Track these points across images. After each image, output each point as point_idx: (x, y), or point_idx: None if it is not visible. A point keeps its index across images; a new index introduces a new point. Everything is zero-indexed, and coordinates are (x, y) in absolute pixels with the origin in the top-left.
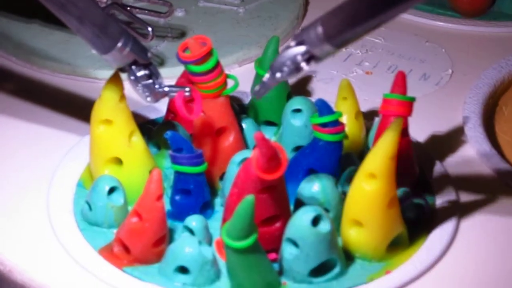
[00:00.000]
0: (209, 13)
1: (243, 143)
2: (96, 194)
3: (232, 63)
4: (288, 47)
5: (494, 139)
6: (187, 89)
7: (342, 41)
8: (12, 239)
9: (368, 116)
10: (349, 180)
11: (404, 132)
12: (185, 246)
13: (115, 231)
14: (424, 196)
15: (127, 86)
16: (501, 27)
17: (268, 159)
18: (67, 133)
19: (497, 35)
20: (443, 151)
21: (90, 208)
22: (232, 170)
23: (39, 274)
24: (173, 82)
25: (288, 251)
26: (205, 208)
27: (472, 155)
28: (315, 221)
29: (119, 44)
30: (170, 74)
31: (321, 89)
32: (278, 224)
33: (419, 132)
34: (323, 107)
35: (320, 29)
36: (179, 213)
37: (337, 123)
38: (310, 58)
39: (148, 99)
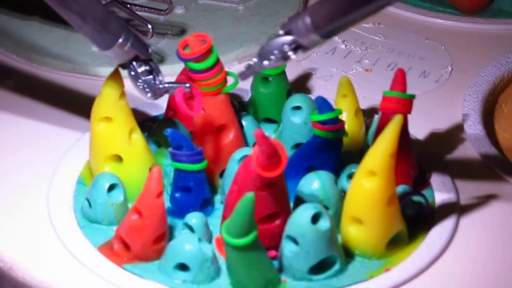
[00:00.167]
0: (209, 10)
1: (243, 141)
2: (96, 191)
3: (232, 60)
4: (276, 35)
5: (493, 137)
6: (187, 85)
7: (329, 31)
8: (12, 237)
9: (368, 114)
10: (349, 177)
11: (403, 130)
12: (185, 243)
13: (115, 228)
14: (423, 194)
15: (128, 83)
16: (500, 24)
17: (268, 156)
18: (67, 130)
19: (497, 33)
20: (442, 148)
21: (90, 205)
22: (232, 167)
23: (40, 271)
24: (173, 80)
25: (288, 248)
26: (205, 206)
27: (472, 152)
28: (315, 219)
29: (120, 40)
30: (170, 72)
31: (320, 87)
32: (278, 222)
33: (418, 129)
34: (322, 105)
35: (308, 19)
36: (179, 210)
37: (336, 121)
38: (297, 47)
39: (149, 95)
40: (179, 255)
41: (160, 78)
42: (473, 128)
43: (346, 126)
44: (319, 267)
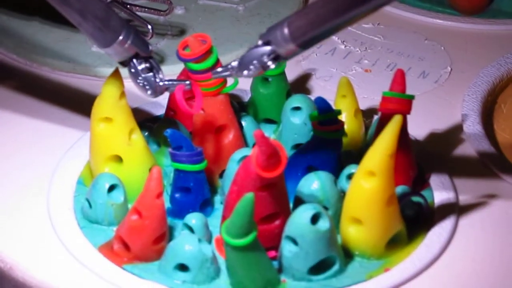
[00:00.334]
0: (208, 11)
1: (242, 141)
2: (96, 192)
3: (232, 60)
4: (256, 46)
5: (492, 137)
6: (187, 82)
7: (307, 41)
8: (12, 237)
9: (367, 114)
10: (348, 177)
11: (403, 130)
12: (185, 244)
13: (115, 228)
14: (423, 194)
15: (128, 83)
16: (500, 25)
17: (267, 157)
18: (67, 130)
19: (496, 33)
20: (441, 148)
21: (90, 206)
22: (232, 168)
23: (40, 271)
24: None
25: (287, 248)
26: (205, 206)
27: (471, 152)
28: (315, 219)
29: (121, 37)
30: (169, 72)
31: (320, 87)
32: (277, 222)
33: (418, 129)
34: (322, 105)
35: (286, 30)
36: (179, 210)
37: (336, 121)
38: (276, 57)
39: (149, 92)
40: (179, 256)
41: (161, 75)
42: (472, 128)
43: (346, 127)
44: (319, 268)
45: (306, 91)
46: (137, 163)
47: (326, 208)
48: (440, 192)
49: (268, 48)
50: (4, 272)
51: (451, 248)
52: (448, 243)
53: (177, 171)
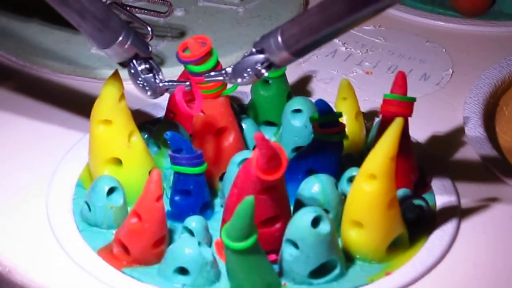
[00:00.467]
0: (208, 12)
1: (243, 144)
2: (95, 195)
3: (232, 63)
4: (250, 54)
5: (494, 140)
6: (187, 83)
7: (301, 50)
8: (11, 240)
9: (368, 117)
10: (349, 180)
11: (404, 133)
12: (185, 247)
13: (114, 231)
14: (424, 197)
15: (128, 85)
16: (501, 26)
17: (268, 159)
18: (66, 133)
19: (498, 35)
20: (443, 151)
21: (90, 209)
22: (232, 170)
23: (39, 275)
24: None
25: (288, 252)
26: (205, 209)
27: (473, 155)
28: (315, 222)
29: (120, 38)
30: (169, 74)
31: (321, 89)
32: (278, 225)
33: (419, 132)
34: (323, 107)
35: (279, 38)
36: (179, 213)
37: (337, 123)
38: (270, 65)
39: (149, 93)
40: (179, 259)
41: (161, 76)
42: (474, 131)
43: (347, 129)
44: (320, 271)
45: (306, 93)
46: (136, 166)
47: (327, 211)
48: (441, 195)
49: (261, 56)
50: (3, 276)
51: (452, 252)
52: (449, 247)
53: (177, 174)
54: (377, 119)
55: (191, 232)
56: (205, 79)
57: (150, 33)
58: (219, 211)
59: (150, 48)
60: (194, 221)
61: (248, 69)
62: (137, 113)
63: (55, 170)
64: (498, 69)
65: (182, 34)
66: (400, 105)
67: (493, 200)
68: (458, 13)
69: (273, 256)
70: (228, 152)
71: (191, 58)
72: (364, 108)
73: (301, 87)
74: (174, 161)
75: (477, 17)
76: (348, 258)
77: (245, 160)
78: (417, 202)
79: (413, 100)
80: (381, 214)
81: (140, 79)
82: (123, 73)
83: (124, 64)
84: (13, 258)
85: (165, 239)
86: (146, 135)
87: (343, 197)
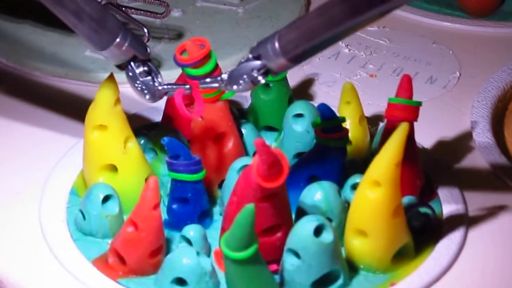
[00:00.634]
0: (207, 13)
1: (242, 150)
2: (90, 203)
3: (231, 65)
4: (246, 60)
5: (503, 144)
6: (187, 86)
7: (299, 56)
8: (3, 249)
9: (373, 121)
10: (353, 188)
11: (410, 138)
12: (183, 257)
13: (110, 241)
14: (430, 205)
15: (124, 89)
16: (510, 27)
17: (268, 166)
18: (60, 138)
19: (506, 36)
20: (450, 157)
21: (84, 217)
22: (232, 177)
23: (32, 285)
24: None
25: (289, 262)
26: (203, 217)
27: (480, 161)
28: (318, 231)
29: (118, 40)
30: (166, 77)
31: (323, 93)
32: (279, 234)
33: (425, 137)
34: (325, 112)
35: (276, 44)
36: (177, 222)
37: (340, 128)
38: (267, 72)
39: (147, 97)
40: (177, 269)
41: (159, 79)
42: (482, 135)
43: (350, 134)
44: (322, 282)
45: (308, 97)
46: (132, 173)
47: (329, 220)
48: (448, 202)
49: (258, 63)
50: None
51: (460, 261)
52: (457, 256)
53: (175, 181)
54: (381, 124)
55: (189, 242)
56: (200, 86)
57: (147, 34)
58: (218, 219)
59: (148, 50)
60: (192, 230)
61: (244, 76)
62: (133, 117)
63: (48, 177)
64: (507, 71)
65: (179, 35)
66: (406, 109)
67: (502, 207)
68: (465, 14)
69: (274, 266)
70: (228, 158)
71: (189, 61)
72: (368, 112)
73: (303, 91)
74: (171, 167)
75: (485, 17)
76: (352, 268)
77: (245, 166)
78: (423, 210)
79: (419, 104)
80: (385, 223)
81: (138, 82)
82: (119, 76)
83: (122, 67)
84: (4, 268)
85: (162, 248)
86: (142, 141)
87: (346, 205)
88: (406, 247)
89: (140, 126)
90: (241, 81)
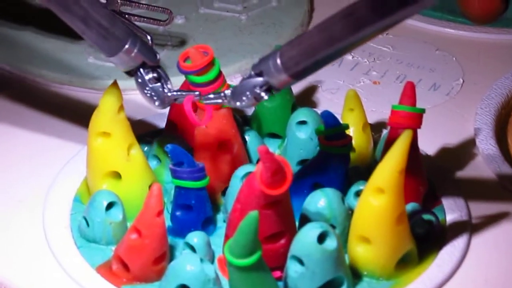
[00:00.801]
0: (210, 20)
1: (246, 157)
2: (93, 210)
3: (234, 72)
4: (248, 76)
5: (506, 151)
6: (196, 93)
7: (301, 72)
8: (6, 257)
9: (376, 128)
10: (356, 195)
11: (413, 145)
12: (187, 264)
13: (113, 248)
14: (434, 212)
15: (127, 96)
16: None
17: (272, 173)
18: (63, 145)
19: (510, 43)
20: (453, 164)
21: (88, 224)
22: (235, 184)
23: None
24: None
25: (293, 269)
26: (207, 224)
27: (484, 168)
28: (321, 238)
29: (126, 46)
30: None
31: (326, 100)
32: (282, 241)
33: (428, 144)
34: (329, 119)
35: (278, 61)
36: (180, 229)
37: (343, 136)
38: (269, 88)
39: (156, 103)
40: (180, 276)
41: (169, 85)
42: (485, 142)
43: (354, 141)
44: None
45: (312, 104)
46: (136, 180)
47: (333, 227)
48: (452, 209)
49: (260, 79)
50: None
51: (463, 268)
52: (460, 263)
53: (178, 188)
54: (385, 131)
55: (192, 248)
56: (204, 102)
57: (150, 41)
58: (221, 226)
59: (158, 56)
60: (196, 237)
61: (247, 93)
62: (137, 124)
63: (52, 184)
64: (510, 78)
65: (182, 42)
66: (409, 116)
67: (505, 214)
68: (468, 20)
69: (277, 273)
70: (231, 165)
71: (193, 68)
72: (372, 119)
73: (306, 98)
74: (175, 174)
75: (489, 24)
76: (355, 275)
77: (248, 174)
78: (427, 217)
79: (422, 111)
80: (389, 230)
81: (147, 88)
82: (122, 83)
83: (131, 73)
84: (9, 275)
85: (166, 255)
86: (146, 148)
87: (350, 212)
88: (409, 254)
89: (143, 133)
90: (244, 98)
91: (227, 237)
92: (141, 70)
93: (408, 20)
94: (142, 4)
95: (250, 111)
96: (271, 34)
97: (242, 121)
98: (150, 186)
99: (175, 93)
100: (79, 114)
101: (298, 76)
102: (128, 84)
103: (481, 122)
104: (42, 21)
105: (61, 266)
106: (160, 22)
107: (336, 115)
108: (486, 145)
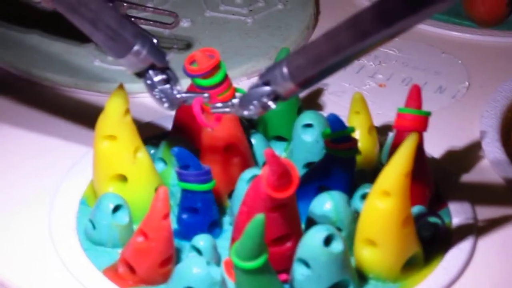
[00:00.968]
0: (216, 23)
1: (252, 160)
2: (100, 213)
3: (240, 75)
4: (255, 86)
5: None
6: (205, 95)
7: (307, 80)
8: (12, 259)
9: (382, 131)
10: (362, 198)
11: (419, 148)
12: (193, 267)
13: (120, 250)
14: (440, 215)
15: (136, 99)
16: None
17: (278, 176)
18: (69, 148)
19: None
20: (459, 167)
21: (94, 227)
22: (241, 187)
23: None
24: None
25: (299, 271)
26: (213, 227)
27: (489, 171)
28: (327, 241)
29: (136, 48)
30: None
31: (332, 103)
32: (289, 244)
33: (434, 147)
34: (335, 122)
35: (285, 70)
36: (186, 232)
37: (349, 139)
38: (276, 97)
39: (166, 105)
40: (187, 279)
41: (178, 87)
42: (491, 145)
43: (359, 144)
44: None
45: (318, 107)
46: (142, 183)
47: (339, 230)
48: (457, 212)
49: (267, 89)
50: None
51: (469, 271)
52: (466, 266)
53: (184, 191)
54: (391, 134)
55: (199, 251)
56: (212, 111)
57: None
58: (228, 229)
59: (167, 58)
60: (202, 240)
61: (254, 102)
62: (143, 127)
63: (58, 187)
64: None
65: (188, 46)
66: (415, 119)
67: (511, 217)
68: (474, 23)
69: (284, 276)
70: (237, 168)
71: (199, 72)
72: (378, 122)
73: (312, 101)
74: (181, 177)
75: (494, 27)
76: (361, 278)
77: (254, 177)
78: (433, 219)
79: (428, 114)
80: (395, 233)
81: (156, 90)
82: (129, 86)
83: (140, 75)
84: (15, 277)
85: (172, 258)
86: (152, 151)
87: (356, 215)
88: (415, 257)
89: (150, 136)
90: (251, 107)
91: (233, 240)
92: (150, 71)
93: None
94: (148, 7)
95: None
96: (277, 37)
97: (248, 124)
98: (156, 189)
99: (184, 94)
100: (85, 117)
101: (305, 85)
102: (134, 87)
103: (487, 125)
104: (48, 24)
105: (67, 269)
106: (166, 26)
107: (342, 118)
108: (492, 148)
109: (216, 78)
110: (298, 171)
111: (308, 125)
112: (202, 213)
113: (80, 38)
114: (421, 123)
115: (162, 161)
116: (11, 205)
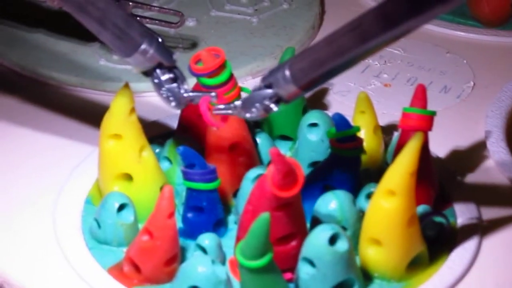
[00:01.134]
0: (221, 22)
1: (257, 159)
2: (105, 211)
3: (246, 75)
4: (258, 88)
5: None
6: (213, 94)
7: (310, 83)
8: (18, 258)
9: (387, 131)
10: (367, 197)
11: (424, 147)
12: (198, 266)
13: (125, 249)
14: (445, 214)
15: (142, 98)
16: None
17: (283, 175)
18: (75, 147)
19: None
20: (464, 166)
21: (99, 226)
22: (246, 186)
23: None
24: None
25: (304, 270)
26: (218, 226)
27: (494, 170)
28: (333, 240)
29: (143, 46)
30: None
31: (337, 102)
32: (294, 243)
33: (439, 147)
34: (340, 121)
35: (287, 72)
36: (191, 231)
37: (354, 138)
38: (278, 100)
39: (173, 104)
40: (192, 278)
41: (185, 86)
42: (496, 145)
43: (365, 144)
44: None
45: (323, 106)
46: (147, 182)
47: (344, 229)
48: (462, 211)
49: (269, 91)
50: None
51: (474, 270)
52: (471, 265)
53: (190, 190)
54: (396, 134)
55: (204, 250)
56: (214, 112)
57: None
58: (233, 228)
59: (174, 57)
60: (207, 239)
61: (257, 104)
62: (149, 126)
63: (63, 186)
64: None
65: (194, 45)
66: (420, 119)
67: None
68: (479, 23)
69: (288, 275)
70: (242, 167)
71: (204, 71)
72: (383, 122)
73: (317, 100)
74: (186, 176)
75: (499, 27)
76: (366, 277)
77: (259, 176)
78: (438, 219)
79: (433, 113)
80: (400, 232)
81: (164, 89)
82: (134, 85)
83: (147, 74)
84: (20, 276)
85: (177, 257)
86: (157, 150)
87: (361, 214)
88: (420, 256)
89: (155, 135)
90: (253, 109)
91: (238, 239)
92: (158, 70)
93: None
94: (154, 6)
95: None
96: (282, 37)
97: (253, 124)
98: (161, 188)
99: (191, 93)
100: (90, 116)
101: (307, 87)
102: (139, 86)
103: (492, 125)
104: (54, 23)
105: (72, 268)
106: (171, 25)
107: (347, 117)
108: (497, 148)
109: (222, 77)
110: (303, 170)
111: (314, 125)
112: (207, 212)
113: (86, 37)
114: (426, 122)
115: (167, 160)
116: (16, 204)
